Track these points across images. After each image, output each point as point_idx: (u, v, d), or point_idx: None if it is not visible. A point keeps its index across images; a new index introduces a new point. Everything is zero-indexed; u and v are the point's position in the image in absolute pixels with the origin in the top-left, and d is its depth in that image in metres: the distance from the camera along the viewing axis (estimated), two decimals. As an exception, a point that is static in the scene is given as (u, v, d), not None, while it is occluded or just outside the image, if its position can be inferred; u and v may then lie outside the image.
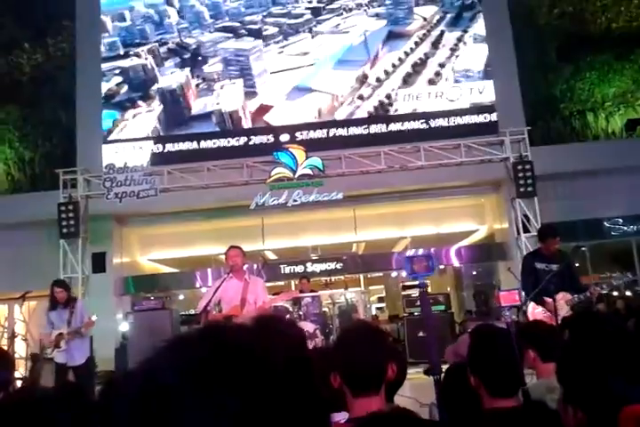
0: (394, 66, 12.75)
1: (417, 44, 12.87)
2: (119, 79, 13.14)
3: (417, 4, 13.04)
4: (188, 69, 13.09)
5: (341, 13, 13.18)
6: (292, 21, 13.23)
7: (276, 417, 0.57)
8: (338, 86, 12.73)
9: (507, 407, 1.99)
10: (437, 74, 12.58)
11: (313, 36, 13.16)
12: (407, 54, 12.82)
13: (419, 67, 12.69)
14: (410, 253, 13.00)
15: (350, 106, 12.63)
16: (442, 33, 12.86)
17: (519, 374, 2.15)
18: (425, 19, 12.98)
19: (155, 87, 13.00)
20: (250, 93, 12.81)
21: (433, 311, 8.34)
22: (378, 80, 12.68)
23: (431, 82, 12.54)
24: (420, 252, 12.79)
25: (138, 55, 13.28)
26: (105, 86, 13.03)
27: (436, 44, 12.79)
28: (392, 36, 13.02)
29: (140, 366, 0.61)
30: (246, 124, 12.67)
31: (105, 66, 13.17)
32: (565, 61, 14.77)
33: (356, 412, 1.79)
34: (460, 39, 12.77)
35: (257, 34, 13.21)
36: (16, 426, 1.24)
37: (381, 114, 12.48)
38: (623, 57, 14.55)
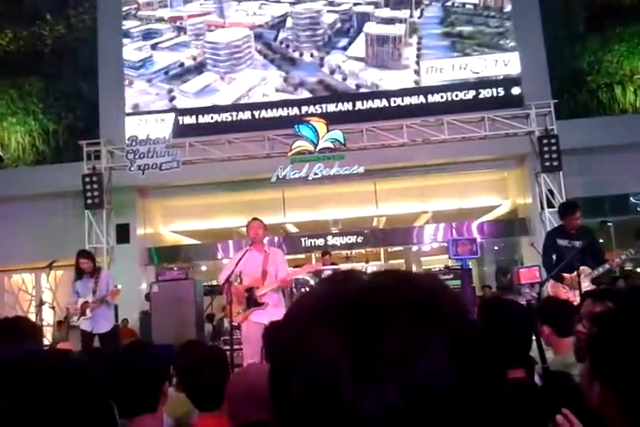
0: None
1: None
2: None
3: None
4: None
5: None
6: None
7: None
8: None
9: (517, 378, 2.02)
10: (462, 44, 12.36)
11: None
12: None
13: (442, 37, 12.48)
14: (431, 228, 12.97)
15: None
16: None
17: (528, 343, 2.16)
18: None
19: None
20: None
21: (453, 286, 8.36)
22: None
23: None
24: (442, 226, 12.76)
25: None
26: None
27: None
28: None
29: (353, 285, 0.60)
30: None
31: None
32: (593, 33, 14.38)
33: None
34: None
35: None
36: (53, 389, 1.28)
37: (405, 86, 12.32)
38: (655, 28, 14.13)
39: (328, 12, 12.89)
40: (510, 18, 12.29)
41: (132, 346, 2.39)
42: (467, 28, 12.43)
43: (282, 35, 12.95)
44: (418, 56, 12.44)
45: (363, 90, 12.44)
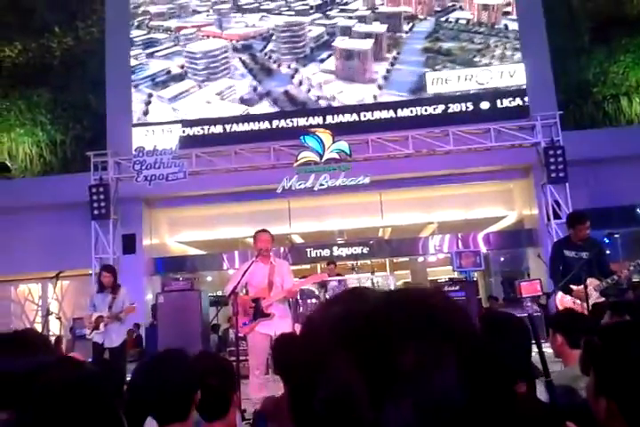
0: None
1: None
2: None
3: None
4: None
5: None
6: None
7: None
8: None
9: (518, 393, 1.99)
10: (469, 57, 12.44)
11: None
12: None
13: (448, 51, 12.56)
14: (436, 239, 12.95)
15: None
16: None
17: (527, 357, 2.14)
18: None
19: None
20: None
21: (459, 298, 8.33)
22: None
23: (461, 65, 12.42)
24: (447, 237, 12.74)
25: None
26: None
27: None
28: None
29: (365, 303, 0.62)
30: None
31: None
32: (599, 44, 14.41)
33: None
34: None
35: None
36: (69, 401, 1.28)
37: (410, 97, 12.39)
38: (660, 39, 14.16)
39: (317, 25, 13.07)
40: (499, 34, 12.47)
41: (166, 355, 2.35)
42: (448, 44, 12.58)
43: (269, 46, 13.15)
44: (388, 71, 12.58)
45: (322, 102, 12.61)
